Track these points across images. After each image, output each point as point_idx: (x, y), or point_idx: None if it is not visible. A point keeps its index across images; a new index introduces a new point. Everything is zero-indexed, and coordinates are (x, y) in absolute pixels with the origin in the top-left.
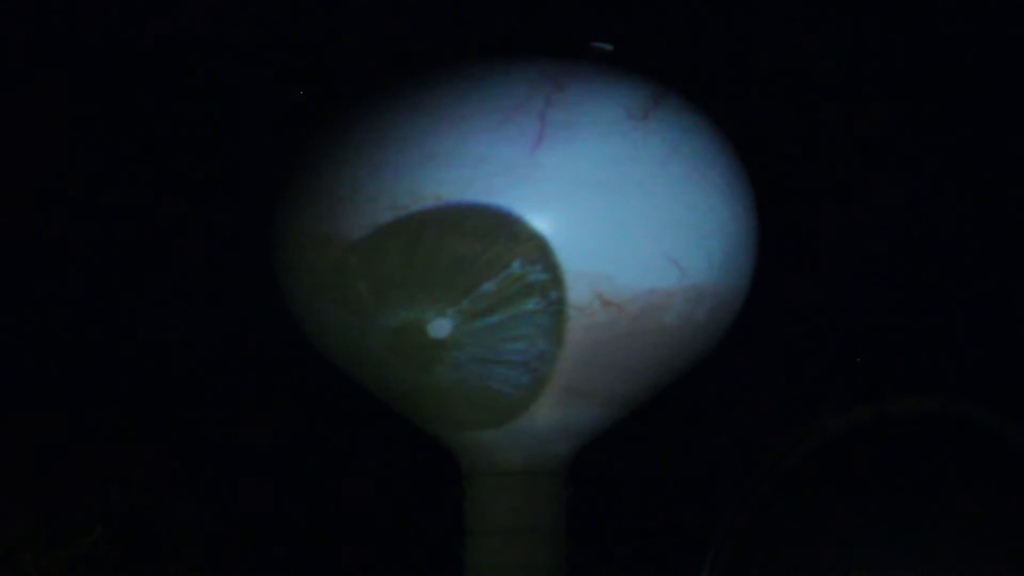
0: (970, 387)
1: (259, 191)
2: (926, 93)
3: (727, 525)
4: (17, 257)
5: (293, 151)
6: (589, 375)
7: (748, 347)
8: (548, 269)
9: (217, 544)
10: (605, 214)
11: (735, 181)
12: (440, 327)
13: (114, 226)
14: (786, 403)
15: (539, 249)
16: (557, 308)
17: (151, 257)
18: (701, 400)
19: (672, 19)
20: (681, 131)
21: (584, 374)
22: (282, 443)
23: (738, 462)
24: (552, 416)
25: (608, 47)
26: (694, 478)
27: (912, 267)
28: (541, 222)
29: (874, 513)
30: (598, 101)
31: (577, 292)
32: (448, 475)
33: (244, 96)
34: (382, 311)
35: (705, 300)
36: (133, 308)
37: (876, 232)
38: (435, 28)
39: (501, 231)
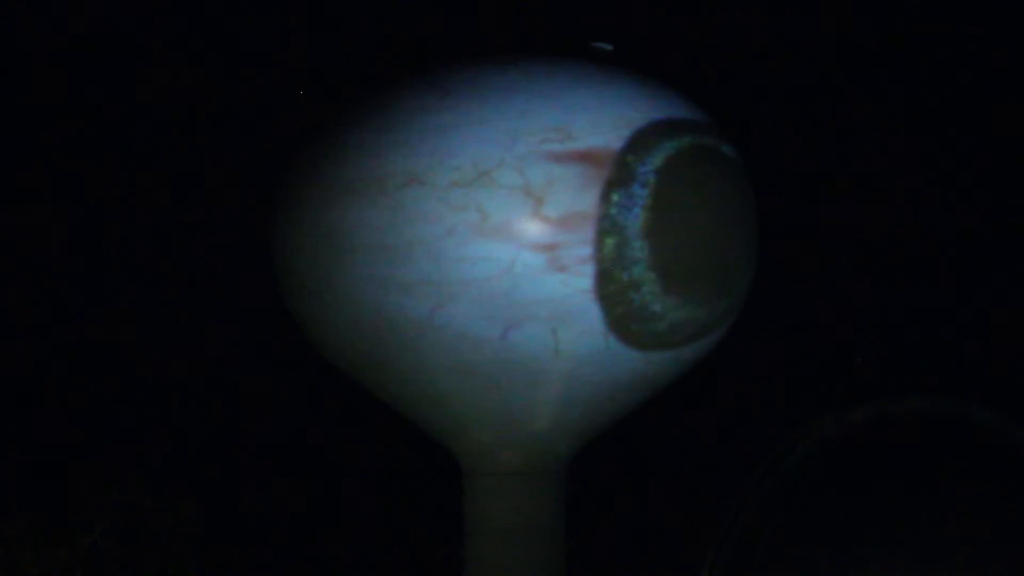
0: (970, 387)
1: (259, 191)
2: (926, 92)
3: (727, 525)
4: (16, 258)
5: (293, 151)
6: (590, 375)
7: (748, 347)
8: None
9: (217, 544)
10: None
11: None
12: None
13: (114, 226)
14: (786, 403)
15: None
16: None
17: (151, 257)
18: (701, 400)
19: (672, 19)
20: None
21: (585, 374)
22: (282, 443)
23: (738, 462)
24: (552, 416)
25: (608, 47)
26: (694, 478)
27: (912, 267)
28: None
29: (874, 513)
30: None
31: None
32: (448, 475)
33: (244, 96)
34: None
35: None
36: (133, 308)
37: (876, 232)
38: (435, 28)
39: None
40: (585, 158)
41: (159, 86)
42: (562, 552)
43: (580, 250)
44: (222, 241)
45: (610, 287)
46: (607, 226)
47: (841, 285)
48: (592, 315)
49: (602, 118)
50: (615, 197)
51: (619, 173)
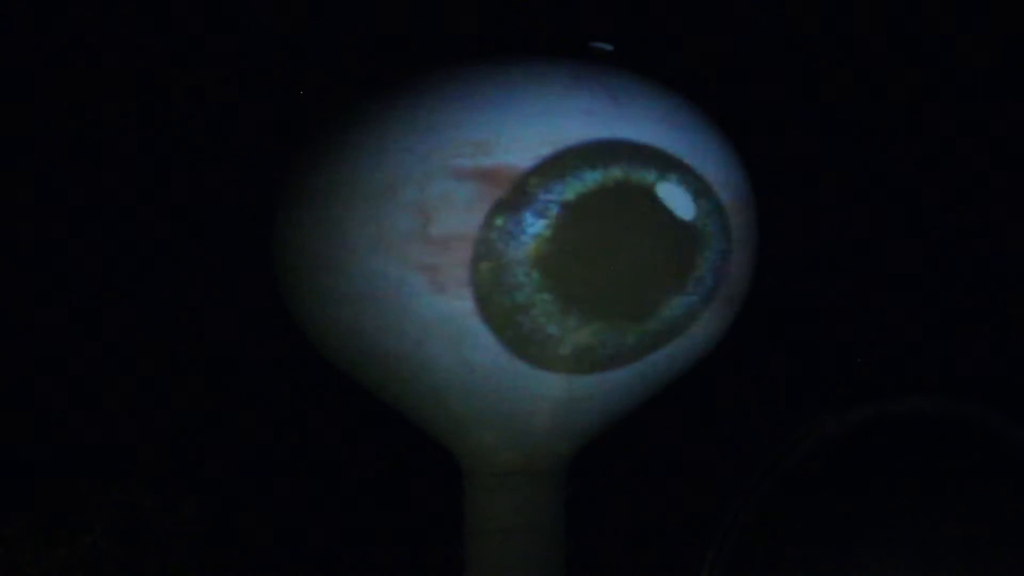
0: (970, 387)
1: (259, 191)
2: (925, 93)
3: (727, 525)
4: (18, 257)
5: (293, 152)
6: (590, 379)
7: (748, 347)
8: None
9: (217, 544)
10: None
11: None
12: None
13: (116, 226)
14: (786, 403)
15: None
16: None
17: (152, 258)
18: (701, 400)
19: (672, 19)
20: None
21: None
22: (282, 443)
23: (738, 462)
24: (552, 416)
25: (608, 47)
26: (694, 478)
27: (913, 267)
28: None
29: (874, 513)
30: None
31: None
32: (448, 475)
33: (245, 97)
34: None
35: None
36: (133, 307)
37: (877, 232)
38: (435, 28)
39: None
40: (485, 177)
41: (159, 86)
42: (562, 552)
43: (457, 272)
44: (222, 242)
45: (492, 310)
46: (483, 251)
47: (841, 285)
48: (483, 336)
49: (530, 133)
50: (499, 221)
51: (515, 196)
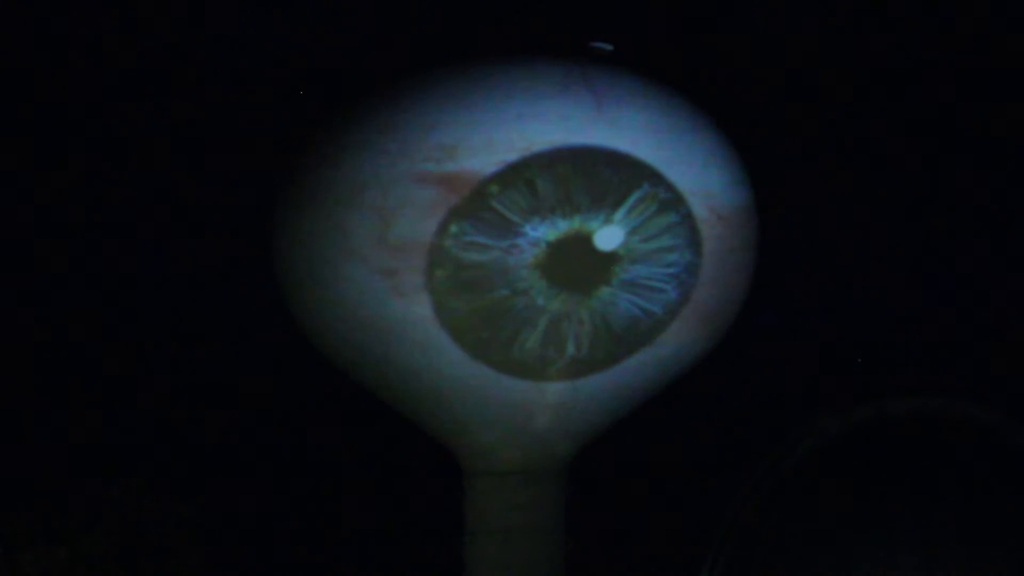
0: (970, 387)
1: (259, 191)
2: (924, 93)
3: (727, 525)
4: (17, 256)
5: (293, 151)
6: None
7: (748, 347)
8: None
9: (217, 544)
10: None
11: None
12: None
13: (115, 225)
14: (786, 403)
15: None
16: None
17: (151, 258)
18: (701, 400)
19: (672, 19)
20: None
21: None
22: (282, 443)
23: (738, 462)
24: (552, 416)
25: (608, 47)
26: (694, 478)
27: (912, 267)
28: None
29: (874, 513)
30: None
31: None
32: (448, 475)
33: (245, 95)
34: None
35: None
36: (134, 307)
37: (876, 232)
38: (435, 27)
39: None
40: (445, 182)
41: (160, 86)
42: (562, 552)
43: (414, 278)
44: (223, 242)
45: (449, 316)
46: (438, 257)
47: (841, 285)
48: (443, 342)
49: (499, 139)
50: (453, 228)
51: (471, 203)
